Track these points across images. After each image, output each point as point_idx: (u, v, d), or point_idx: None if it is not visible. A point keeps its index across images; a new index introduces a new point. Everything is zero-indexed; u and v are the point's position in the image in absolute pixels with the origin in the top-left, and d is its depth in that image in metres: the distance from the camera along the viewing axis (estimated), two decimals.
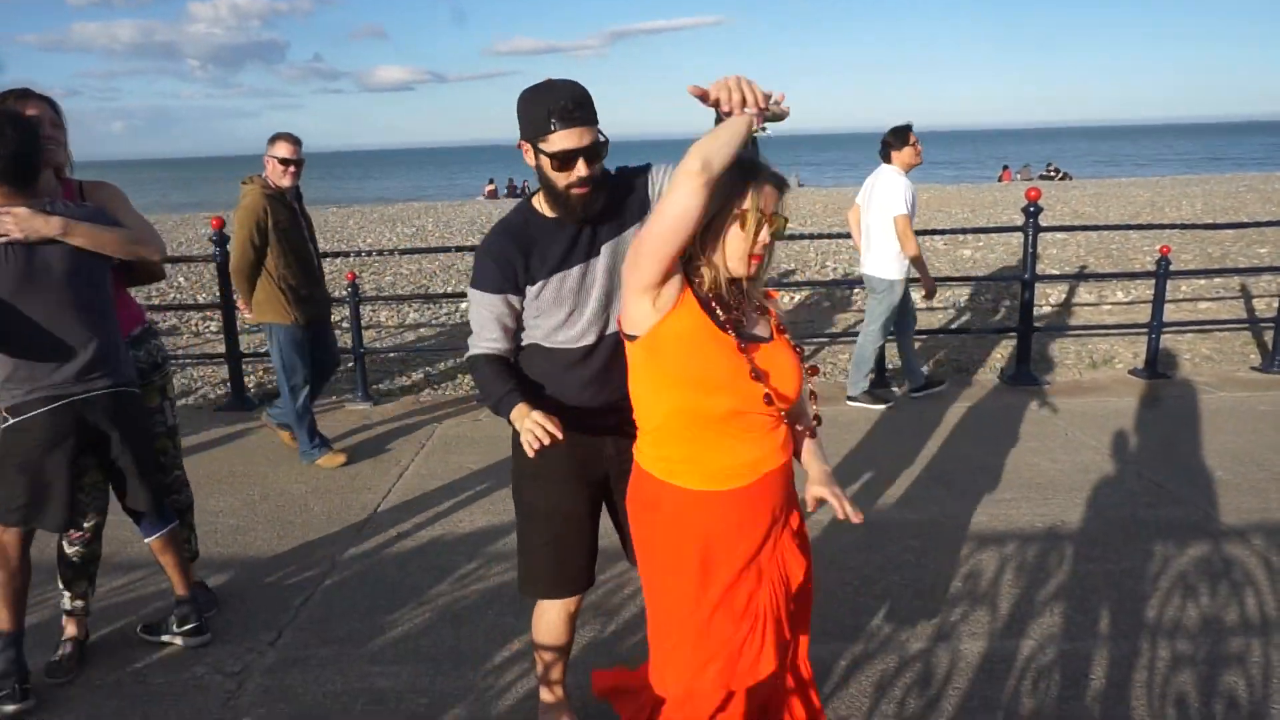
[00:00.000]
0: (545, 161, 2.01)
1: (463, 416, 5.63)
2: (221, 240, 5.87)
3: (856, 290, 9.37)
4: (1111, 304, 8.66)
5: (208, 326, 8.83)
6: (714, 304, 1.83)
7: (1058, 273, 9.89)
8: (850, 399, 5.66)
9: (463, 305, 9.25)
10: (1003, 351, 6.93)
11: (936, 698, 2.69)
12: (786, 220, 1.87)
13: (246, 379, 6.30)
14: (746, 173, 1.79)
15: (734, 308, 1.87)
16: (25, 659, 2.78)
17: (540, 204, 2.15)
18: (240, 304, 4.83)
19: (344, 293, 6.26)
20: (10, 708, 2.69)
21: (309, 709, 2.71)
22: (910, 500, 4.16)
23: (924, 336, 7.46)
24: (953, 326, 8.02)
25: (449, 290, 10.04)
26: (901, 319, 5.71)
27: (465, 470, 4.69)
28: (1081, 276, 9.34)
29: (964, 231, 7.67)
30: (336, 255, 8.24)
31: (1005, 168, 33.79)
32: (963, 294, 9.06)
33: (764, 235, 1.82)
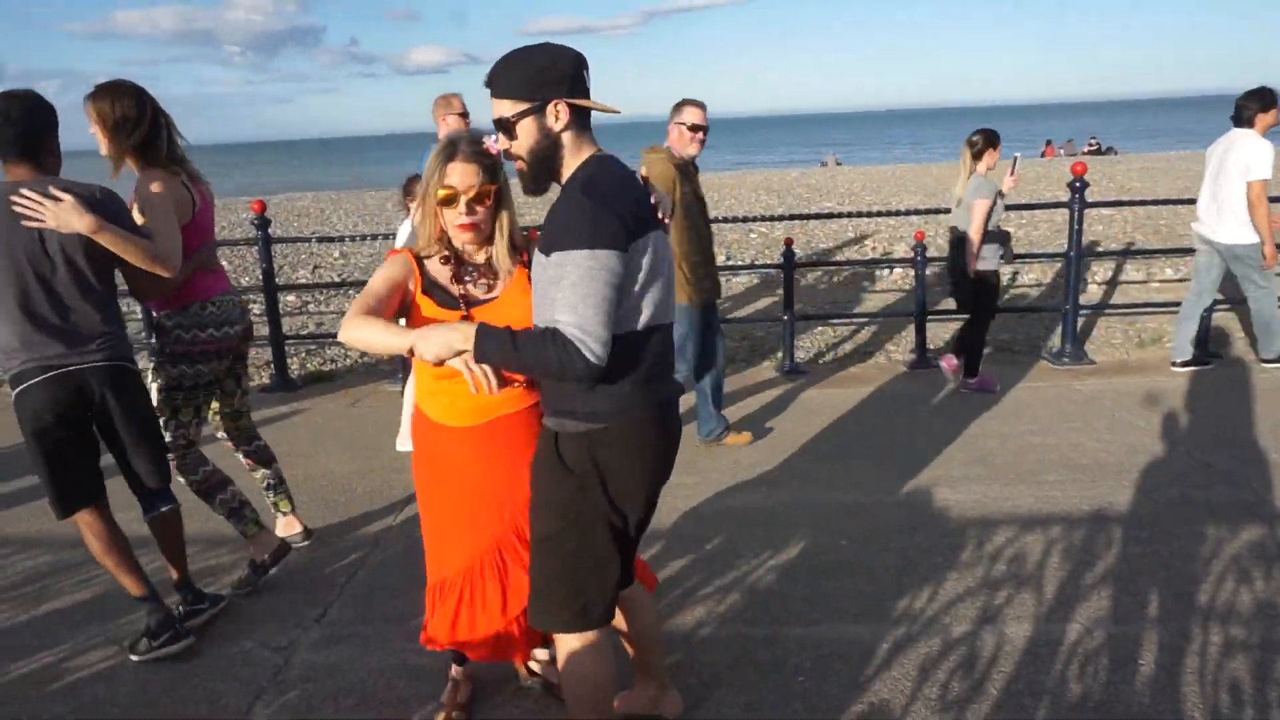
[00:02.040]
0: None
1: None
2: (264, 224, 5.93)
3: (896, 270, 9.25)
4: (1160, 281, 8.44)
5: (252, 310, 8.97)
6: (438, 286, 2.23)
7: (1104, 249, 9.66)
8: (1266, 362, 5.53)
9: None
10: (1048, 330, 6.80)
11: (981, 681, 2.65)
12: (492, 187, 2.15)
13: (290, 361, 6.38)
14: (445, 154, 2.12)
15: (466, 278, 2.24)
16: (166, 606, 2.99)
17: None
18: None
19: None
20: (177, 646, 2.93)
21: (353, 685, 2.75)
22: (952, 481, 4.10)
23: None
24: (995, 305, 7.86)
25: None
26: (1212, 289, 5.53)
27: None
28: (1129, 253, 9.12)
29: (1007, 208, 7.47)
30: (377, 237, 8.30)
31: (1048, 143, 33.02)
32: (1005, 272, 8.89)
33: (460, 208, 2.13)
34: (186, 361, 3.16)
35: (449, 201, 2.13)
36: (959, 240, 5.35)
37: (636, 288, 1.89)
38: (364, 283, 7.99)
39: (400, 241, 4.43)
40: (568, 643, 2.09)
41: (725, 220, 6.68)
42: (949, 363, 5.51)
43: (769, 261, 10.29)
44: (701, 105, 4.29)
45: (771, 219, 7.48)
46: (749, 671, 2.73)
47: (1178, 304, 6.48)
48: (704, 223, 4.37)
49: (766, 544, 3.56)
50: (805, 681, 2.68)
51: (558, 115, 1.88)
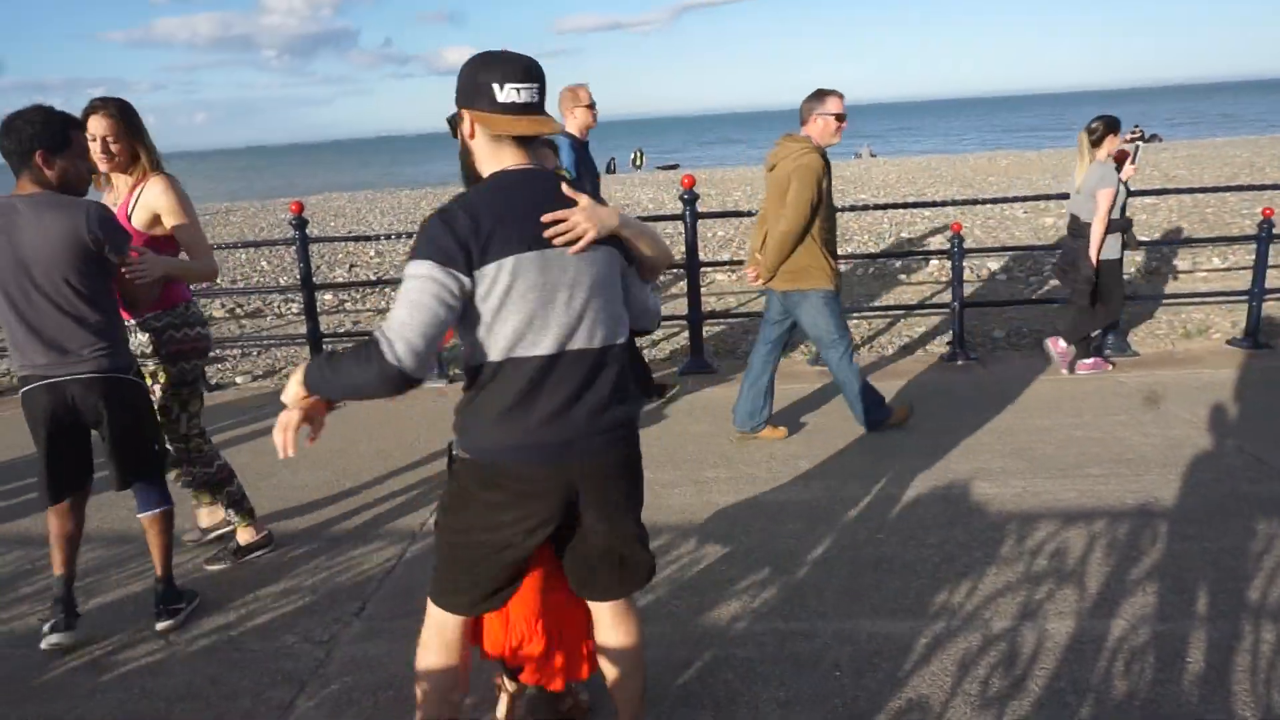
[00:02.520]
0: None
1: None
2: (301, 224, 6.02)
3: (932, 261, 9.14)
4: (1207, 271, 8.24)
5: (290, 308, 9.11)
6: None
7: (1148, 238, 9.45)
8: None
9: None
10: None
11: (1022, 678, 2.61)
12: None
13: None
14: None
15: None
16: (74, 598, 3.09)
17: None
18: (752, 271, 4.61)
19: None
20: (58, 637, 2.99)
21: (393, 678, 2.78)
22: (992, 474, 4.04)
23: (1006, 307, 7.23)
24: (1035, 296, 7.74)
25: None
26: None
27: None
28: (1174, 242, 8.90)
29: (1046, 198, 7.37)
30: (413, 235, 8.38)
31: None
32: (1046, 262, 8.74)
33: None
34: (184, 358, 3.31)
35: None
36: (1079, 229, 5.22)
37: (487, 315, 1.82)
38: (401, 282, 8.12)
39: None
40: (425, 628, 2.15)
41: (757, 214, 6.64)
42: (1058, 346, 5.45)
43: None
44: (842, 95, 4.38)
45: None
46: (786, 667, 2.72)
47: (1224, 294, 6.31)
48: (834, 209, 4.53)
49: (803, 538, 3.54)
50: (843, 677, 2.66)
51: (471, 125, 1.90)
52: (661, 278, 9.73)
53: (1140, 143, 5.69)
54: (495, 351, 1.86)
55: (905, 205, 6.96)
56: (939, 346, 6.34)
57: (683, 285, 7.83)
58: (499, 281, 1.80)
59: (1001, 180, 17.53)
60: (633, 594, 2.19)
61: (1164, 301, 7.02)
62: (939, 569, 3.25)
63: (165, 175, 3.25)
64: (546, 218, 1.84)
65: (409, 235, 7.39)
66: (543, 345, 1.85)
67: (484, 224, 1.80)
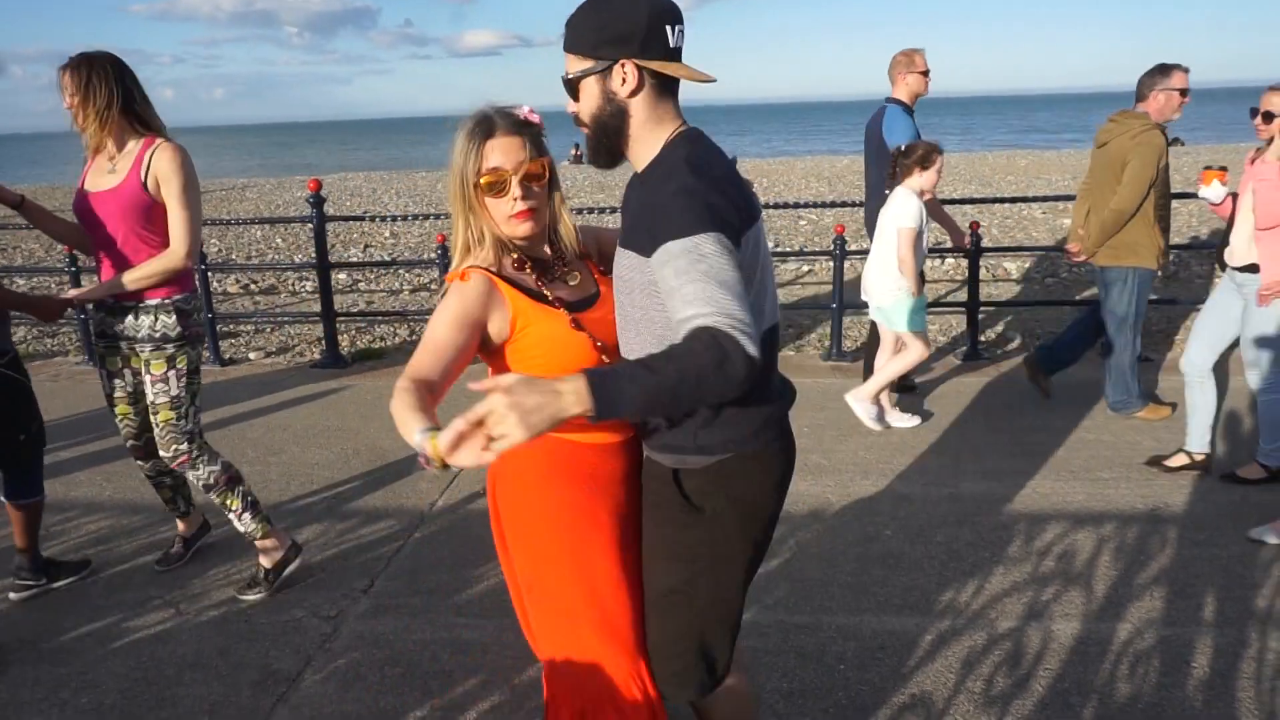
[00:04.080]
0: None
1: None
2: (319, 203, 6.03)
3: (948, 260, 9.09)
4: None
5: (304, 286, 9.15)
6: (539, 286, 1.76)
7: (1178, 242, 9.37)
8: None
9: None
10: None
11: (1026, 678, 2.62)
12: (546, 160, 1.77)
13: (340, 337, 6.49)
14: (480, 131, 1.72)
15: (552, 274, 1.80)
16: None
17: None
18: (1074, 247, 4.55)
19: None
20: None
21: (399, 655, 2.81)
22: (1001, 474, 4.03)
23: (1020, 309, 7.20)
24: (1051, 297, 7.70)
25: None
26: None
27: None
28: (1193, 246, 8.84)
29: (1065, 199, 7.32)
30: (428, 217, 8.39)
31: None
32: (1062, 264, 8.69)
33: (514, 190, 1.71)
34: (201, 343, 3.15)
35: (496, 188, 1.72)
36: None
37: (752, 286, 1.57)
38: (414, 263, 8.18)
39: None
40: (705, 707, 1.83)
41: (774, 206, 6.62)
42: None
43: (818, 249, 10.18)
44: (1187, 70, 4.29)
45: (821, 205, 7.40)
46: (790, 658, 2.73)
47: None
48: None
49: (811, 532, 3.54)
50: (847, 670, 2.67)
51: (624, 78, 1.58)
52: None
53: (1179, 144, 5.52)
54: (762, 325, 1.62)
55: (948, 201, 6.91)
56: (953, 345, 6.32)
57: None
58: (748, 248, 1.56)
59: (1020, 180, 17.42)
60: None
61: (1181, 305, 6.97)
62: (945, 567, 3.25)
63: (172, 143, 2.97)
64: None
65: (424, 217, 7.42)
66: (769, 317, 1.67)
67: (738, 188, 1.59)
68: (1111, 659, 2.69)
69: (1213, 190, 3.77)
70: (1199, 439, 3.91)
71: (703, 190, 1.50)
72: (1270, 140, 3.49)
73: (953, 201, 6.95)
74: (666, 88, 1.63)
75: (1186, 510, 3.64)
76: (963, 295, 6.53)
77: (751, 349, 1.37)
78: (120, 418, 3.17)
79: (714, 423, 1.65)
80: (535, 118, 1.79)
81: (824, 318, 7.03)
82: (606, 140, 1.67)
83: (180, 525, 3.44)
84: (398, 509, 3.88)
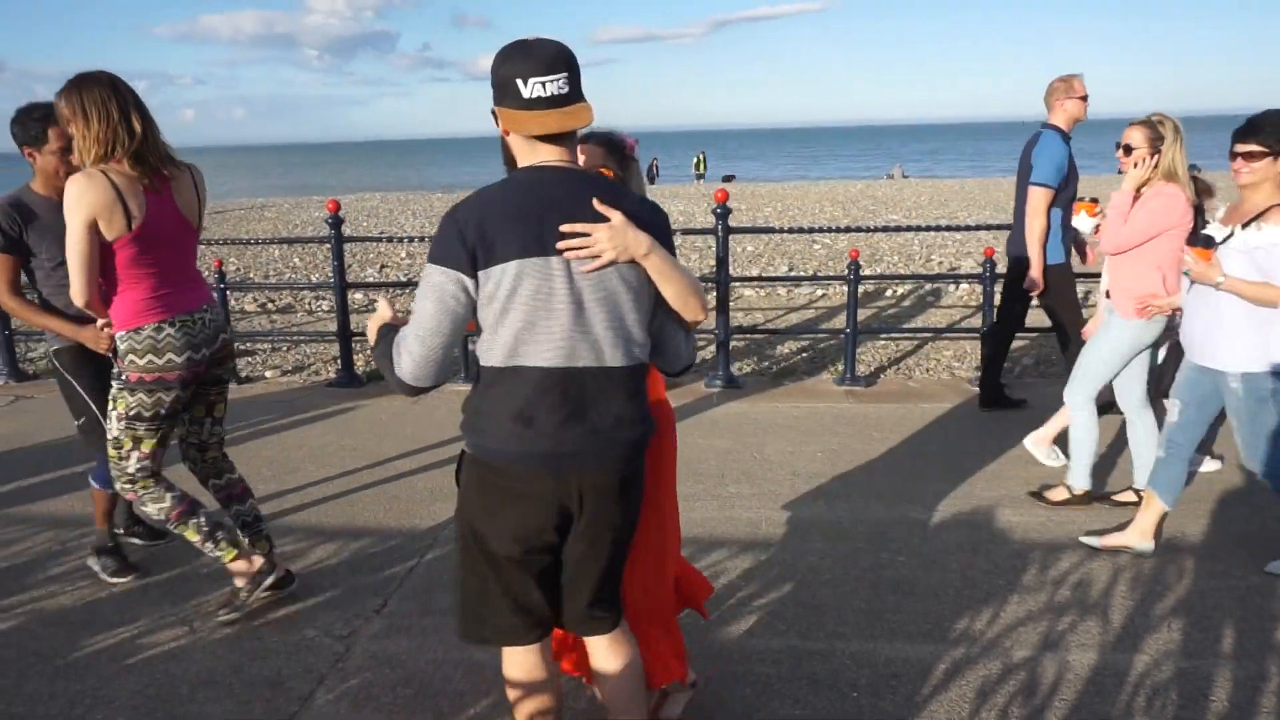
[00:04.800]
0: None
1: None
2: (337, 223, 6.10)
3: (962, 285, 9.10)
4: None
5: (320, 305, 9.23)
6: None
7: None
8: None
9: None
10: None
11: (1041, 708, 2.59)
12: (610, 174, 2.12)
13: (356, 357, 6.54)
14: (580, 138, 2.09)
15: None
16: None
17: None
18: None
19: None
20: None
21: (411, 675, 2.81)
22: (1015, 501, 4.01)
23: (1035, 334, 7.18)
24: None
25: None
26: None
27: None
28: None
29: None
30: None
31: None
32: (1078, 290, 8.66)
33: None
34: (152, 390, 2.90)
35: None
36: None
37: (490, 319, 1.78)
38: None
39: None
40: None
41: (789, 231, 6.65)
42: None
43: (832, 273, 10.20)
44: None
45: (836, 230, 7.42)
46: (802, 685, 2.71)
47: None
48: None
49: (824, 557, 3.53)
50: (860, 698, 2.65)
51: (497, 121, 1.85)
52: None
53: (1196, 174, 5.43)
54: (498, 356, 1.81)
55: (937, 228, 6.93)
56: (966, 371, 6.30)
57: (711, 299, 7.84)
58: (502, 285, 1.74)
59: None
60: (613, 628, 2.13)
61: None
62: (960, 594, 3.23)
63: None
64: (566, 228, 1.75)
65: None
66: (545, 356, 1.79)
67: (491, 224, 1.74)
68: (1129, 691, 2.66)
69: (1081, 221, 3.93)
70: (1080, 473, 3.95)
71: (446, 225, 1.78)
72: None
73: (968, 228, 6.96)
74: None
75: (1203, 540, 3.61)
76: (977, 320, 6.53)
77: (403, 366, 1.82)
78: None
79: (467, 416, 1.98)
80: (631, 142, 2.23)
81: (837, 342, 7.04)
82: (507, 166, 1.98)
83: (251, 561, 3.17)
84: (411, 529, 3.89)
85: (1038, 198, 4.65)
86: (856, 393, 5.79)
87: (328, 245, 6.35)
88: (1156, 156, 3.55)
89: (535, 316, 1.77)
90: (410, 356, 1.81)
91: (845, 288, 6.11)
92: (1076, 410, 3.92)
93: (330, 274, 6.42)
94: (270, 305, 9.43)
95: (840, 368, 6.25)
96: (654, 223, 1.88)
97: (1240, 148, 3.08)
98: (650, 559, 2.35)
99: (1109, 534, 3.55)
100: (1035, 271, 4.74)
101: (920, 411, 5.36)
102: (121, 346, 2.88)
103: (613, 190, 1.87)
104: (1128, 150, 3.60)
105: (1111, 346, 3.78)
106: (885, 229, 7.31)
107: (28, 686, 2.79)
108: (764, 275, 10.31)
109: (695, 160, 35.40)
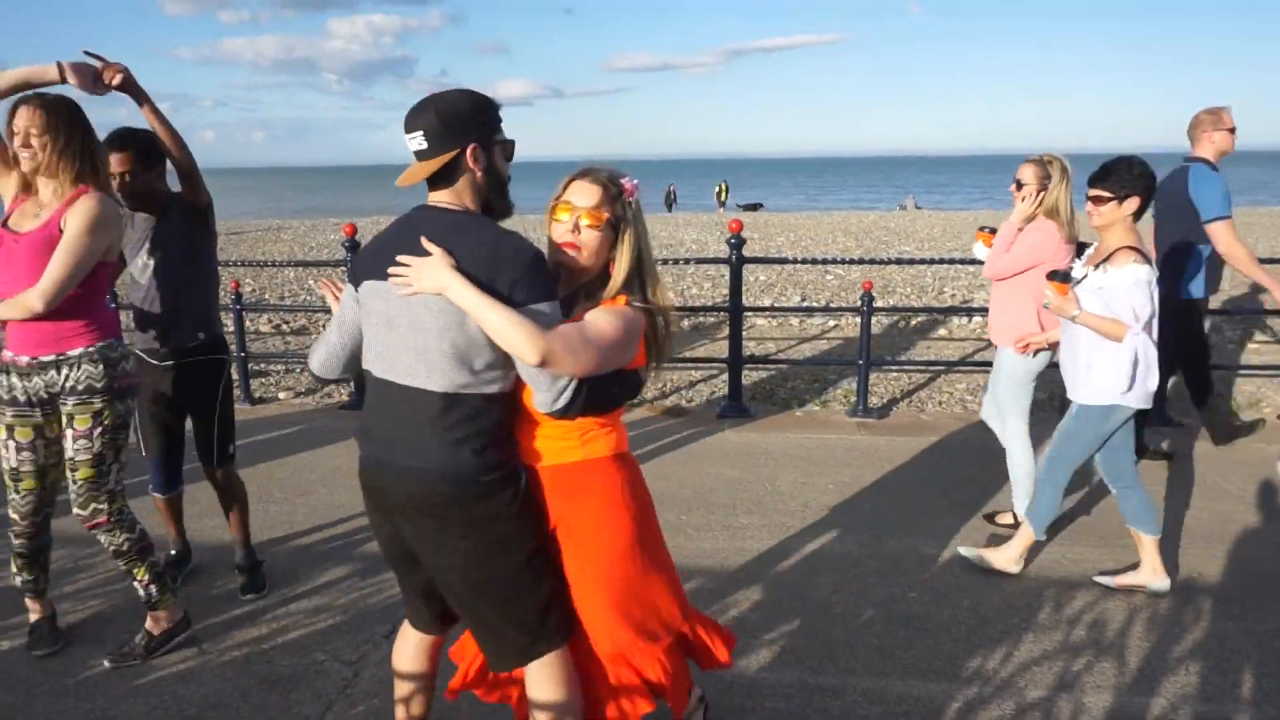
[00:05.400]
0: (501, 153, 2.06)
1: None
2: (354, 247, 6.15)
3: (975, 318, 9.08)
4: (1258, 342, 8.08)
5: None
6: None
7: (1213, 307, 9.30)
8: None
9: None
10: None
11: None
12: (604, 217, 2.06)
13: None
14: (577, 172, 2.12)
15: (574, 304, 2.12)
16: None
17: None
18: None
19: None
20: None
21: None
22: None
23: (1049, 370, 7.15)
24: None
25: None
26: None
27: None
28: (1225, 311, 8.75)
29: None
30: None
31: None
32: None
33: (564, 223, 2.07)
34: (130, 396, 2.97)
35: (560, 214, 2.09)
36: None
37: (362, 331, 2.13)
38: None
39: None
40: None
41: (801, 261, 6.67)
42: None
43: (845, 304, 10.20)
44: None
45: (848, 262, 7.44)
46: None
47: (1277, 366, 6.20)
48: None
49: (835, 590, 3.51)
50: None
51: None
52: (706, 319, 9.70)
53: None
54: (364, 361, 2.13)
55: (950, 261, 6.93)
56: (979, 405, 6.27)
57: (724, 328, 7.85)
58: (360, 300, 2.08)
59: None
60: (506, 670, 2.21)
61: (1212, 372, 6.89)
62: (973, 632, 3.19)
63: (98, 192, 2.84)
64: (400, 258, 1.96)
65: None
66: (376, 366, 2.05)
67: (367, 250, 2.07)
68: None
69: (979, 249, 4.11)
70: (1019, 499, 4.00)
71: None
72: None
73: (980, 262, 6.97)
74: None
75: (1221, 582, 3.56)
76: (990, 354, 6.51)
77: (312, 360, 2.25)
78: (25, 494, 2.96)
79: None
80: (630, 186, 2.13)
81: (849, 373, 7.03)
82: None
83: (35, 605, 3.14)
84: None
85: (1224, 230, 4.60)
86: (869, 424, 5.77)
87: (344, 268, 6.40)
88: (1043, 194, 3.69)
89: (372, 330, 2.05)
90: (315, 352, 2.24)
91: (858, 319, 6.11)
92: (1009, 443, 3.99)
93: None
94: (285, 326, 9.50)
95: (852, 399, 6.24)
96: (492, 263, 1.90)
97: (1091, 192, 3.28)
98: (609, 609, 2.17)
99: (1122, 574, 3.53)
100: (1275, 289, 4.61)
101: (933, 445, 5.33)
102: (114, 355, 2.90)
103: (464, 230, 1.95)
104: (1019, 185, 3.75)
105: (1009, 376, 3.93)
106: (898, 261, 7.33)
107: (36, 705, 2.79)
108: (776, 305, 10.33)
109: (717, 189, 35.36)
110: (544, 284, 1.94)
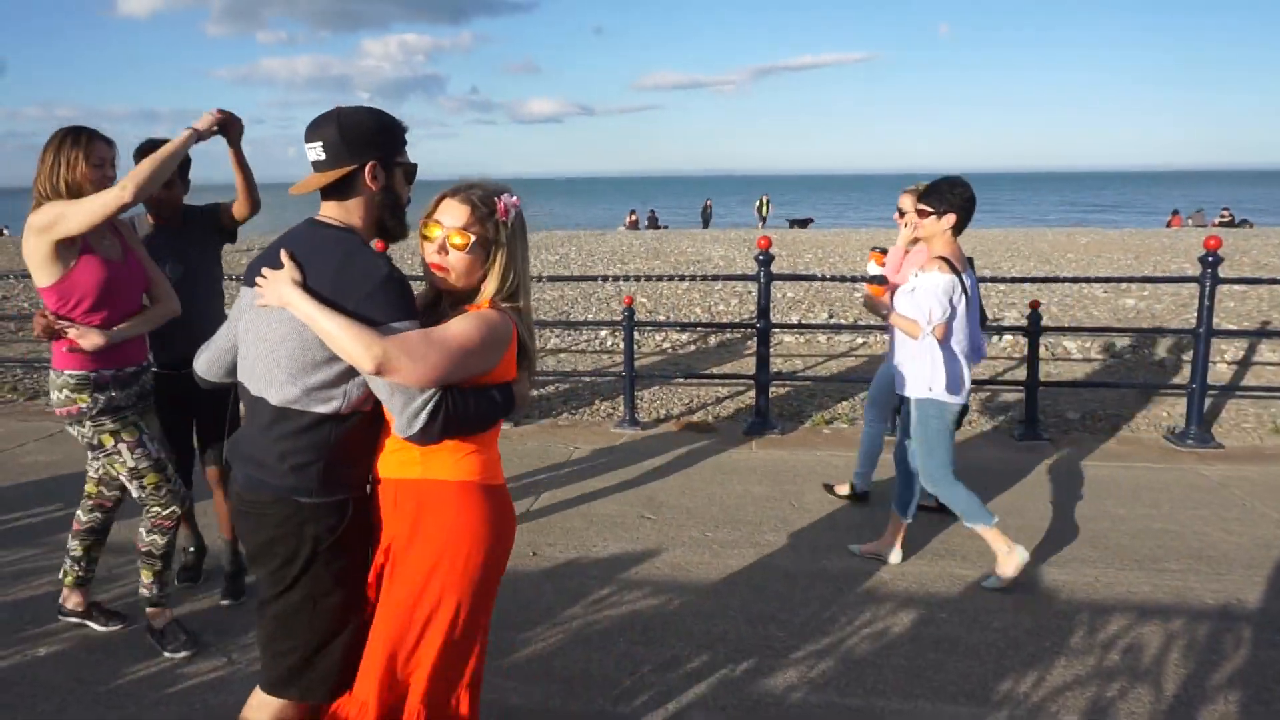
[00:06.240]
0: (401, 176, 2.05)
1: (597, 440, 5.73)
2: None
3: (1006, 336, 8.97)
4: None
5: None
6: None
7: (1235, 327, 9.14)
8: None
9: (602, 332, 9.45)
10: (1168, 410, 6.45)
11: None
12: (469, 239, 1.96)
13: None
14: (449, 189, 2.04)
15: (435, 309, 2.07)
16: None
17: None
18: None
19: None
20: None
21: None
22: (1062, 561, 3.91)
23: (1081, 388, 7.06)
24: (1113, 379, 7.53)
25: (589, 318, 10.28)
26: None
27: (601, 495, 4.76)
28: (1264, 333, 8.60)
29: (1128, 280, 7.22)
30: None
31: (1175, 213, 31.58)
32: (1125, 345, 8.51)
33: (433, 242, 1.98)
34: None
35: (427, 234, 2.01)
36: None
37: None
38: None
39: None
40: None
41: (830, 279, 6.64)
42: None
43: (873, 322, 10.13)
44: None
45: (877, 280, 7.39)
46: None
47: None
48: None
49: (863, 610, 3.47)
50: None
51: None
52: (733, 335, 9.67)
53: (1231, 227, 5.33)
54: None
55: (981, 279, 6.86)
56: (1010, 424, 6.20)
57: (752, 344, 7.82)
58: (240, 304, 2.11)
59: (1081, 258, 17.18)
60: (269, 690, 2.08)
61: (1252, 394, 6.76)
62: (1004, 655, 3.14)
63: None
64: (263, 269, 1.98)
65: None
66: (238, 369, 2.09)
67: (257, 257, 2.07)
68: None
69: (872, 268, 4.25)
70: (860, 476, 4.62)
71: None
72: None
73: (1012, 280, 6.89)
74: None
75: (1262, 607, 3.48)
76: (1021, 373, 6.43)
77: (197, 360, 2.25)
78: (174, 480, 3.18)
79: None
80: (502, 210, 2.00)
81: None
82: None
83: (77, 596, 3.35)
84: None
85: None
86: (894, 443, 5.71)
87: None
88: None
89: (239, 335, 2.09)
90: (203, 351, 2.23)
91: (886, 336, 6.07)
92: (868, 424, 4.62)
93: None
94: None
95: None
96: (339, 281, 1.88)
97: (917, 206, 3.64)
98: (382, 657, 2.02)
99: (999, 566, 3.70)
100: None
101: (963, 465, 5.26)
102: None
103: (324, 247, 1.94)
104: (901, 213, 4.00)
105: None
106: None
107: (69, 713, 2.83)
108: (804, 323, 10.29)
109: (758, 204, 35.19)
110: (394, 302, 1.87)
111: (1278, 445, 5.67)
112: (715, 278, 6.62)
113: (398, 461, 2.01)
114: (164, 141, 3.27)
